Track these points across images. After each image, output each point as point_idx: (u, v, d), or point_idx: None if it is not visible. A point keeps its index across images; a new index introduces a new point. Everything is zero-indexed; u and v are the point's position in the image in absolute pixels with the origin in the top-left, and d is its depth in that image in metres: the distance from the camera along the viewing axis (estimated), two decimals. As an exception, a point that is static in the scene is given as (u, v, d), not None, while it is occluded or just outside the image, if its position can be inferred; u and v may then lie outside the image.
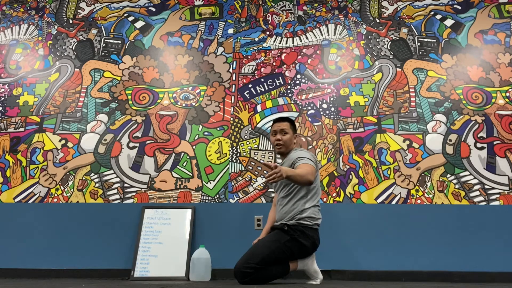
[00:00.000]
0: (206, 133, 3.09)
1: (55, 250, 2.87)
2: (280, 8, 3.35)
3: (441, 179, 2.91)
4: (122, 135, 3.11)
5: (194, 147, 3.06)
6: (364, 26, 3.27)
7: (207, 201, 2.95)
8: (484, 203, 2.85)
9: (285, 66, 3.20)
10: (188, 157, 3.04)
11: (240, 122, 3.10)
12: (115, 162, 3.06)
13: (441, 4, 3.28)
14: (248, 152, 3.03)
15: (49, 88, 3.26)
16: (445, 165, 2.93)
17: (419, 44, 3.19)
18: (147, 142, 3.09)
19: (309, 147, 3.01)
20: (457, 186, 2.89)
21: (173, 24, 3.35)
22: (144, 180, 3.01)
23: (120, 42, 3.33)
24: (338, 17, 3.31)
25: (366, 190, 2.91)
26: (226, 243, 2.80)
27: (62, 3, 3.49)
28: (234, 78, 3.20)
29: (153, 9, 3.40)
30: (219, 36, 3.30)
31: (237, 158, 3.02)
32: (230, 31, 3.32)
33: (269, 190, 2.93)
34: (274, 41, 3.27)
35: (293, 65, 3.20)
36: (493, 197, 2.86)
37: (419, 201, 2.87)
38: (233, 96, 3.16)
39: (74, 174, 3.04)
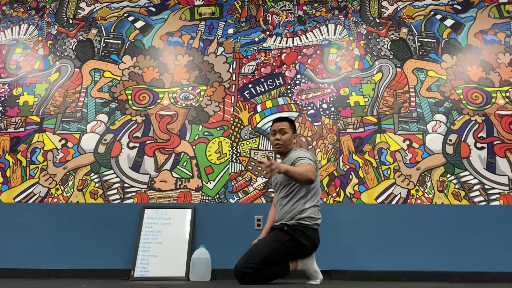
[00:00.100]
0: (206, 133, 3.09)
1: (55, 250, 2.87)
2: (280, 8, 3.35)
3: (441, 179, 2.91)
4: (122, 135, 3.11)
5: (194, 147, 3.06)
6: (364, 26, 3.27)
7: (207, 201, 2.95)
8: (484, 203, 2.85)
9: (285, 66, 3.20)
10: (188, 157, 3.04)
11: (240, 122, 3.10)
12: (115, 162, 3.06)
13: (441, 4, 3.28)
14: (248, 152, 3.03)
15: (49, 88, 3.26)
16: (445, 165, 2.93)
17: (419, 44, 3.19)
18: (147, 142, 3.09)
19: (309, 147, 3.01)
20: (457, 186, 2.89)
21: (173, 24, 3.35)
22: (144, 180, 3.01)
23: (120, 42, 3.33)
24: (338, 17, 3.31)
25: (366, 190, 2.91)
26: (226, 243, 2.80)
27: (62, 3, 3.49)
28: (234, 78, 3.20)
29: (153, 9, 3.40)
30: (219, 36, 3.30)
31: (237, 158, 3.02)
32: (230, 31, 3.32)
33: (269, 190, 2.93)
34: (274, 41, 3.27)
35: (293, 65, 3.20)
36: (493, 197, 2.86)
37: (419, 201, 2.87)
38: (233, 96, 3.16)
39: (74, 174, 3.04)
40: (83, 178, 3.03)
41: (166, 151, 3.07)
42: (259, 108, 3.12)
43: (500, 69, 3.11)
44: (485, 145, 2.97)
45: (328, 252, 2.66)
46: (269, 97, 3.15)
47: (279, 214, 2.37)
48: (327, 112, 3.08)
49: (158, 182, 3.01)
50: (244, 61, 3.23)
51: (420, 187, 2.90)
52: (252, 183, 2.96)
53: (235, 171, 2.99)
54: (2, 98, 3.26)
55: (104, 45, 3.34)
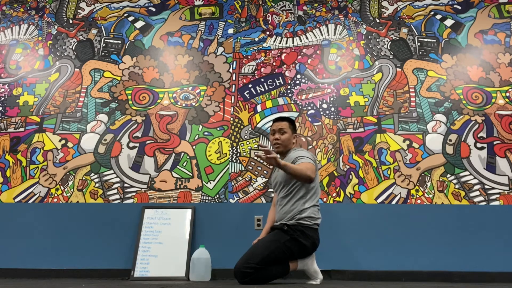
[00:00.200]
0: (206, 133, 3.09)
1: (55, 250, 2.87)
2: (280, 8, 3.35)
3: (441, 179, 2.91)
4: (122, 135, 3.11)
5: (194, 147, 3.06)
6: (364, 26, 3.27)
7: (207, 201, 2.95)
8: (484, 203, 2.85)
9: (285, 66, 3.20)
10: (188, 157, 3.04)
11: (240, 122, 3.10)
12: (115, 162, 3.06)
13: (441, 4, 3.28)
14: (248, 152, 3.03)
15: (49, 88, 3.26)
16: (445, 165, 2.93)
17: (419, 44, 3.19)
18: (147, 142, 3.09)
19: (309, 147, 3.01)
20: (457, 186, 2.89)
21: (173, 24, 3.35)
22: (144, 180, 3.01)
23: (120, 42, 3.33)
24: (338, 17, 3.31)
25: (366, 190, 2.91)
26: (226, 243, 2.79)
27: (62, 3, 3.49)
28: (234, 78, 3.20)
29: (153, 9, 3.40)
30: (219, 36, 3.30)
31: (237, 158, 3.02)
32: (230, 31, 3.32)
33: (269, 190, 2.93)
34: (274, 41, 3.27)
35: (293, 65, 3.20)
36: (493, 197, 2.86)
37: (419, 201, 2.87)
38: (233, 96, 3.16)
39: (74, 174, 3.04)
40: (83, 178, 3.03)
41: (166, 151, 3.07)
42: (259, 108, 3.12)
43: (500, 69, 3.11)
44: (485, 145, 2.97)
45: (328, 252, 2.66)
46: (269, 97, 3.15)
47: (279, 214, 2.37)
48: (327, 112, 3.08)
49: (158, 182, 3.01)
50: (244, 61, 3.23)
51: (420, 187, 2.90)
52: (252, 183, 2.96)
53: (235, 171, 2.99)
54: (2, 98, 3.26)
55: (104, 45, 3.34)
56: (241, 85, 3.19)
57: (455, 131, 3.00)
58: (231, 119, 3.11)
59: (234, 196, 2.95)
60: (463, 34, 3.20)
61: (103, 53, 3.32)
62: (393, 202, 2.87)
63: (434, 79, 3.11)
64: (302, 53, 3.22)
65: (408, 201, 2.87)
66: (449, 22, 3.23)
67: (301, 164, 2.23)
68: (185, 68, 3.24)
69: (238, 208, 2.90)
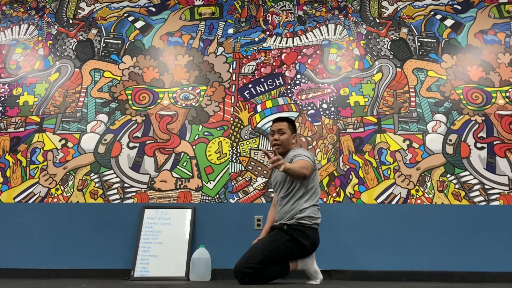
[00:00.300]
0: (206, 133, 3.09)
1: (55, 250, 2.87)
2: (280, 8, 3.35)
3: (441, 179, 2.91)
4: (122, 135, 3.11)
5: (194, 147, 3.06)
6: (364, 26, 3.27)
7: (207, 201, 2.95)
8: (484, 203, 2.85)
9: (285, 66, 3.20)
10: (188, 157, 3.04)
11: (240, 122, 3.10)
12: (115, 162, 3.06)
13: (441, 4, 3.28)
14: (248, 152, 3.03)
15: (49, 88, 3.26)
16: (445, 165, 2.93)
17: (419, 44, 3.19)
18: (147, 142, 3.09)
19: (309, 147, 3.01)
20: (457, 186, 2.89)
21: (173, 24, 3.35)
22: (144, 180, 3.01)
23: (120, 42, 3.33)
24: (338, 17, 3.31)
25: (366, 190, 2.91)
26: (226, 243, 2.79)
27: (62, 3, 3.49)
28: (234, 78, 3.20)
29: (153, 9, 3.40)
30: (219, 36, 3.30)
31: (237, 158, 3.02)
32: (230, 31, 3.32)
33: (269, 190, 2.93)
34: (274, 41, 3.27)
35: (293, 65, 3.20)
36: (493, 197, 2.86)
37: (419, 201, 2.87)
38: (233, 96, 3.16)
39: (74, 174, 3.04)
40: (83, 178, 3.03)
41: (166, 151, 3.07)
42: (259, 108, 3.12)
43: (500, 69, 3.11)
44: (485, 145, 2.97)
45: (328, 252, 2.66)
46: (269, 97, 3.15)
47: (279, 214, 2.37)
48: (327, 112, 3.08)
49: (158, 182, 3.01)
50: (244, 61, 3.23)
51: (420, 187, 2.90)
52: (252, 183, 2.96)
53: (235, 171, 2.99)
54: (2, 98, 3.26)
55: (104, 45, 3.34)
56: (241, 85, 3.19)
57: (455, 131, 3.00)
58: (231, 119, 3.11)
59: (234, 196, 2.95)
60: (463, 34, 3.20)
61: (103, 53, 3.32)
62: (393, 202, 2.87)
63: (434, 79, 3.11)
64: (302, 53, 3.22)
65: (408, 201, 2.87)
66: (449, 22, 3.23)
67: (297, 161, 2.23)
68: (185, 68, 3.24)
69: (238, 208, 2.90)
